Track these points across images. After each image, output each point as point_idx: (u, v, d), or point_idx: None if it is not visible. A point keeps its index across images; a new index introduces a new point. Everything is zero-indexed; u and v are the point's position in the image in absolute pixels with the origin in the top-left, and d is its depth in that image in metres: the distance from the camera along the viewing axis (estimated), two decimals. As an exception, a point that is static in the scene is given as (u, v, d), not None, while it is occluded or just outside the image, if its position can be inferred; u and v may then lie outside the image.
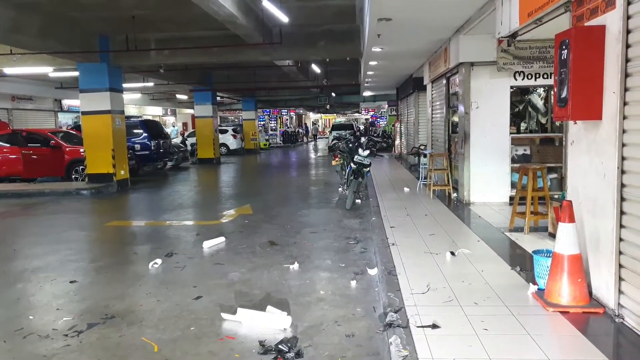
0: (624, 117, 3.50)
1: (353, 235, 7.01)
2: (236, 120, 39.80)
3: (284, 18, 9.53)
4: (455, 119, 9.57)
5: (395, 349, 3.22)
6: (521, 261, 5.05)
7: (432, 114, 11.90)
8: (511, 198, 7.96)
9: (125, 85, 15.42)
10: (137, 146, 16.01)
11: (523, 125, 9.22)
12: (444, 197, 9.20)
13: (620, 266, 3.56)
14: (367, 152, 9.29)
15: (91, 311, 4.44)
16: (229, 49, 12.50)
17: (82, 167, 13.50)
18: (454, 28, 8.24)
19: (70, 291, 5.04)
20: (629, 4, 3.40)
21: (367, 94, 27.15)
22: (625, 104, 3.49)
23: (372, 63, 12.61)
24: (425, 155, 10.60)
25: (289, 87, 24.35)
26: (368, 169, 9.57)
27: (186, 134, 30.40)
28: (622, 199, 3.53)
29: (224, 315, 4.15)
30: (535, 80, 8.13)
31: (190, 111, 36.53)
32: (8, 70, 14.56)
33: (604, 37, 3.63)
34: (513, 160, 8.29)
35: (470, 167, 8.39)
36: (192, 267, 5.74)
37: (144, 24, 11.21)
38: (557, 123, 8.11)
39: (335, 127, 31.84)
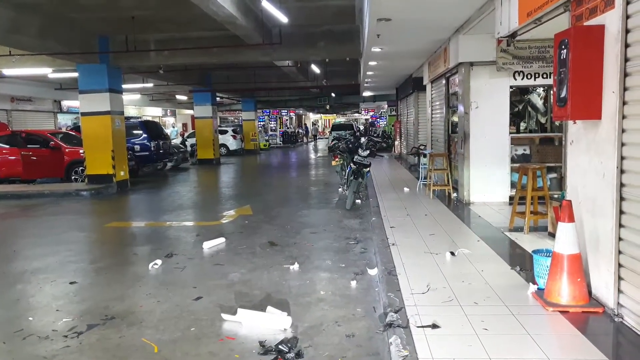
0: (623, 117, 3.50)
1: (353, 236, 7.01)
2: (236, 120, 39.81)
3: (283, 18, 9.53)
4: (455, 119, 9.57)
5: (395, 349, 3.23)
6: (521, 261, 5.05)
7: (432, 114, 11.91)
8: (511, 198, 7.97)
9: (124, 86, 15.44)
10: (137, 147, 16.00)
11: (523, 125, 9.23)
12: (443, 197, 9.20)
13: (620, 266, 3.56)
14: (367, 152, 9.28)
15: (91, 312, 4.43)
16: (229, 50, 12.51)
17: (81, 168, 13.50)
18: (453, 28, 8.24)
19: (70, 292, 5.04)
20: (627, 3, 3.40)
21: (366, 94, 27.16)
22: (624, 103, 3.49)
23: (372, 63, 12.62)
24: (425, 155, 10.60)
25: (288, 88, 24.35)
26: (368, 169, 9.57)
27: (186, 134, 30.38)
28: (622, 199, 3.53)
29: (224, 315, 4.15)
30: (535, 80, 8.13)
31: (190, 112, 36.53)
32: (7, 72, 14.57)
33: (603, 36, 3.63)
34: (513, 160, 8.30)
35: (470, 167, 8.40)
36: (192, 268, 5.74)
37: (144, 25, 11.21)
38: (557, 123, 8.11)
39: (335, 127, 31.89)
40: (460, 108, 8.63)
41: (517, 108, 9.16)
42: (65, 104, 24.44)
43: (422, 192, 9.97)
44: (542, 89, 8.95)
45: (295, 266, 5.53)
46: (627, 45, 3.44)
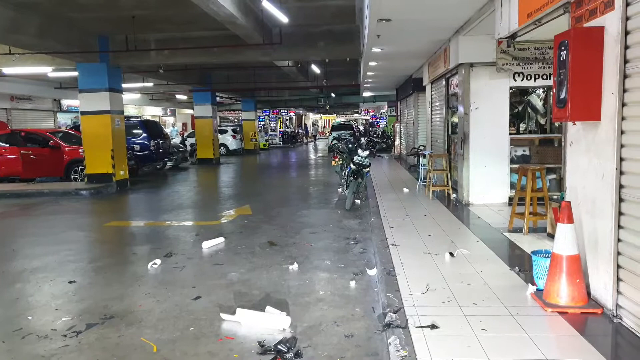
0: (623, 118, 3.50)
1: (352, 236, 7.01)
2: (236, 120, 39.81)
3: (283, 18, 9.54)
4: (455, 119, 9.58)
5: (394, 349, 3.23)
6: (520, 262, 5.05)
7: (432, 114, 11.91)
8: (510, 199, 7.97)
9: (124, 85, 15.43)
10: (137, 146, 16.01)
11: (522, 126, 9.24)
12: (443, 198, 9.21)
13: (619, 267, 3.57)
14: (366, 152, 9.29)
15: (90, 311, 4.43)
16: (229, 49, 12.51)
17: (81, 167, 13.50)
18: (453, 29, 8.25)
19: (69, 291, 5.04)
20: (627, 5, 3.41)
21: (366, 94, 27.16)
22: (623, 105, 3.50)
23: (372, 63, 12.62)
24: (424, 156, 10.60)
25: (288, 88, 24.36)
26: (367, 169, 9.57)
27: (186, 134, 30.38)
28: (621, 200, 3.54)
29: (223, 315, 4.15)
30: (535, 81, 8.14)
31: (190, 111, 36.52)
32: (7, 70, 14.56)
33: (603, 38, 3.64)
34: (512, 161, 8.30)
35: (469, 168, 8.40)
36: (192, 268, 5.74)
37: (144, 24, 11.21)
38: (556, 124, 8.12)
39: (335, 127, 31.89)
40: (460, 109, 8.63)
41: (517, 109, 9.17)
42: (65, 103, 24.42)
43: (422, 193, 9.97)
44: (541, 90, 8.96)
45: (295, 266, 5.53)
46: (626, 47, 3.45)
